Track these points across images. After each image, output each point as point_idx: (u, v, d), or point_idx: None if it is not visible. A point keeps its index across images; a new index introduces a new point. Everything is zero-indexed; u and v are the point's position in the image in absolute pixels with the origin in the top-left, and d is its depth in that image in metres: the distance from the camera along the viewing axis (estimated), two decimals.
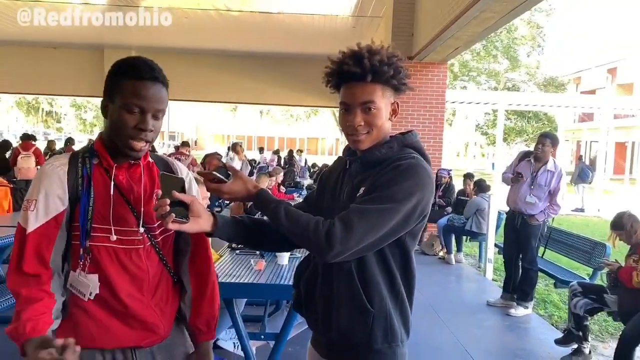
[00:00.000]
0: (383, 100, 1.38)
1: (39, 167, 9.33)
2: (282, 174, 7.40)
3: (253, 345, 3.32)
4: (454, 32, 6.15)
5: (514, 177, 4.83)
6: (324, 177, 1.61)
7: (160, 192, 1.25)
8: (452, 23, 5.85)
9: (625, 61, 29.34)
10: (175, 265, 1.49)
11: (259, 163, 16.19)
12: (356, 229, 1.25)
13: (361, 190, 1.37)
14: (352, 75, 1.36)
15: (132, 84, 1.29)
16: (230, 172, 1.41)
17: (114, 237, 1.33)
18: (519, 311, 4.74)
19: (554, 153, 4.80)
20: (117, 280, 1.33)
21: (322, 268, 1.41)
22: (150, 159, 1.44)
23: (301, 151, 21.30)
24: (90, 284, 1.32)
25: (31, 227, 1.28)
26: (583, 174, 14.79)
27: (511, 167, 5.04)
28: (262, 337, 3.48)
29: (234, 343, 3.53)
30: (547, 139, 4.72)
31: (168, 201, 1.21)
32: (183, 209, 1.24)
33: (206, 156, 5.43)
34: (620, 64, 29.81)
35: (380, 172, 1.35)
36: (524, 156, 4.95)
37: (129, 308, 1.34)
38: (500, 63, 26.71)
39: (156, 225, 1.40)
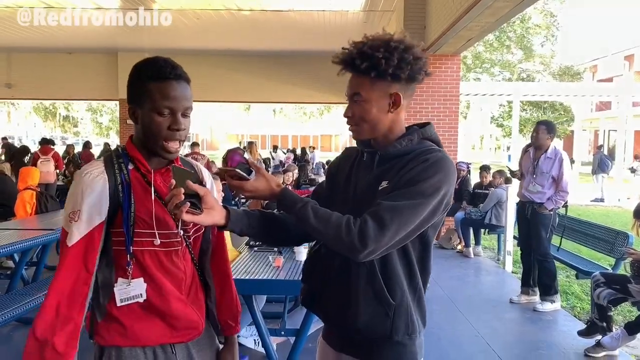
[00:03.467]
0: (373, 92, 1.35)
1: (57, 170, 9.49)
2: (296, 170, 7.42)
3: (274, 342, 3.34)
4: (467, 23, 6.08)
5: (512, 173, 5.03)
6: (333, 169, 1.58)
7: (174, 182, 1.24)
8: (464, 14, 5.78)
9: None
10: (200, 264, 1.53)
11: (273, 161, 16.23)
12: (389, 226, 1.23)
13: (384, 183, 1.34)
14: (345, 66, 1.37)
15: (158, 86, 1.30)
16: (252, 169, 1.37)
17: (157, 241, 1.35)
18: (545, 306, 4.65)
19: (550, 140, 4.74)
20: (160, 283, 1.36)
21: (338, 263, 1.38)
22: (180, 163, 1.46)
23: (314, 148, 21.31)
24: (139, 288, 1.34)
25: (77, 237, 1.29)
26: (602, 164, 14.58)
27: (519, 162, 5.10)
28: (283, 333, 3.50)
29: (254, 340, 3.56)
30: (542, 126, 4.71)
31: (182, 190, 1.20)
32: (196, 201, 1.23)
33: (228, 151, 5.42)
34: (637, 51, 29.25)
35: (407, 166, 1.32)
36: (526, 148, 4.97)
37: (173, 308, 1.38)
38: (514, 54, 26.38)
39: (190, 226, 1.42)
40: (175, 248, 1.40)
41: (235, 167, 1.34)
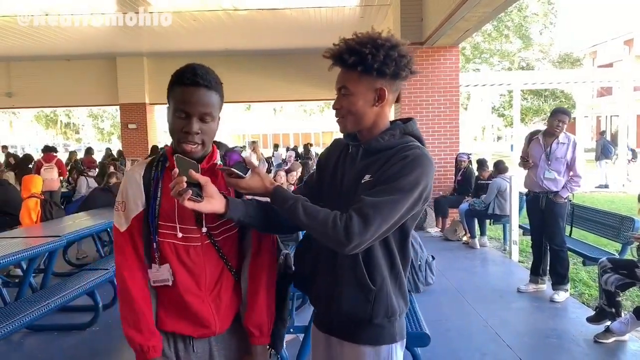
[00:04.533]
0: (359, 86, 1.43)
1: (61, 177, 9.52)
2: (300, 169, 7.43)
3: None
4: (464, 13, 6.07)
5: (520, 163, 4.86)
6: (322, 160, 1.66)
7: (177, 170, 1.32)
8: (461, 4, 5.77)
9: None
10: (239, 266, 1.56)
11: (274, 160, 16.22)
12: (372, 221, 1.31)
13: (366, 177, 1.42)
14: (334, 61, 1.45)
15: (178, 90, 1.40)
16: (249, 168, 1.45)
17: (179, 235, 1.45)
18: (561, 295, 4.60)
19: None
20: (177, 274, 1.46)
21: (326, 250, 1.46)
22: (218, 161, 1.51)
23: (311, 145, 21.35)
24: (166, 274, 1.46)
25: (124, 226, 1.47)
26: (605, 150, 14.52)
27: (523, 151, 4.96)
28: (291, 330, 3.50)
29: None
30: (566, 116, 4.59)
31: (185, 178, 1.28)
32: (197, 189, 1.31)
33: (226, 151, 5.45)
34: (637, 35, 29.08)
35: (388, 162, 1.40)
36: (531, 136, 4.86)
37: (185, 301, 1.46)
38: (513, 43, 26.30)
39: (216, 224, 1.47)
40: (194, 244, 1.46)
41: (233, 166, 1.42)
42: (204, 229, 1.44)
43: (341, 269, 1.45)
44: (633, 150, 17.08)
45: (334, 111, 1.50)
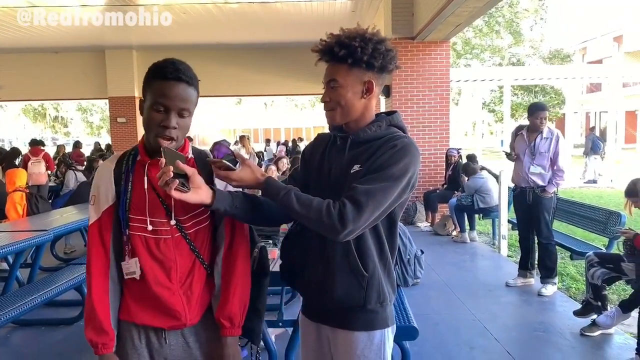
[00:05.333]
0: (348, 78, 1.48)
1: (49, 172, 9.41)
2: (286, 159, 7.41)
3: (272, 333, 3.34)
4: (454, 8, 6.07)
5: (508, 156, 4.96)
6: (307, 153, 1.69)
7: (164, 160, 1.32)
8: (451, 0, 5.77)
9: (631, 28, 28.83)
10: (212, 259, 1.57)
11: (265, 155, 16.18)
12: (365, 208, 1.35)
13: (356, 167, 1.47)
14: (322, 56, 1.50)
15: (158, 84, 1.40)
16: (238, 160, 1.46)
17: (150, 227, 1.46)
18: (549, 289, 4.65)
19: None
20: (146, 267, 1.47)
21: (316, 240, 1.50)
22: (189, 155, 1.53)
23: (301, 139, 21.37)
24: (134, 267, 1.47)
25: (92, 218, 1.50)
26: (595, 145, 14.64)
27: (510, 146, 5.05)
28: (280, 324, 3.50)
29: None
30: (545, 112, 4.68)
31: (172, 168, 1.29)
32: (184, 180, 1.32)
33: (214, 144, 5.44)
34: (626, 32, 29.31)
35: (378, 151, 1.45)
36: (517, 131, 4.93)
37: (155, 293, 1.47)
38: (503, 38, 26.40)
39: (186, 217, 1.49)
40: (164, 236, 1.47)
41: (222, 159, 1.43)
42: (173, 222, 1.45)
43: (333, 257, 1.48)
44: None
45: (323, 104, 1.54)
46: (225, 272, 1.55)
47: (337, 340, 1.55)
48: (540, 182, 4.63)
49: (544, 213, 4.64)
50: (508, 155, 5.00)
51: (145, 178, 1.46)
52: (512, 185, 5.17)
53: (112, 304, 1.50)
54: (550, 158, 4.60)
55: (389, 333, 1.56)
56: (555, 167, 4.60)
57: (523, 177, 4.71)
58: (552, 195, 4.65)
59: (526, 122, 4.89)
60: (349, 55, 1.44)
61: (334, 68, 1.49)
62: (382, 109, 7.98)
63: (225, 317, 1.53)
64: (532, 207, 4.70)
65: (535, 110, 4.68)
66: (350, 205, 1.35)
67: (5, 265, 5.19)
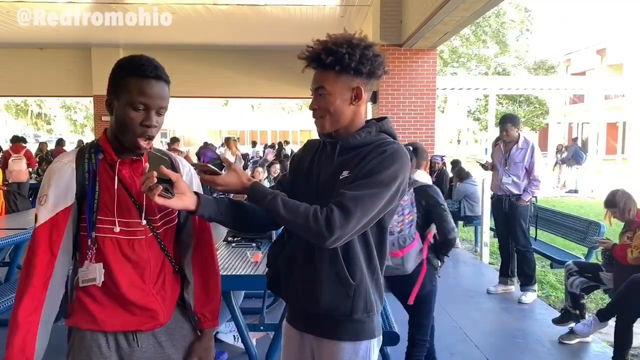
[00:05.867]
0: (337, 85, 1.45)
1: (30, 169, 9.28)
2: (278, 167, 7.41)
3: (253, 337, 3.33)
4: (442, 17, 6.13)
5: (484, 166, 5.14)
6: (295, 159, 1.67)
7: (147, 165, 1.30)
8: (439, 8, 5.83)
9: (614, 41, 29.41)
10: (178, 256, 1.57)
11: (252, 157, 16.14)
12: (353, 214, 1.32)
13: (344, 173, 1.44)
14: (309, 63, 1.48)
15: (137, 82, 1.36)
16: (224, 165, 1.45)
17: (117, 229, 1.40)
18: (529, 297, 4.72)
19: (518, 131, 4.84)
20: (117, 270, 1.41)
21: (303, 247, 1.47)
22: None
23: (287, 142, 21.37)
24: (97, 273, 1.40)
25: (42, 219, 1.37)
26: (577, 155, 14.88)
27: (491, 156, 5.22)
28: (262, 328, 3.50)
29: (234, 335, 3.55)
30: (507, 124, 4.80)
31: (155, 174, 1.26)
32: (168, 185, 1.29)
33: (200, 148, 5.44)
34: (609, 45, 29.88)
35: (367, 157, 1.42)
36: (495, 142, 5.08)
37: (129, 296, 1.42)
38: (490, 48, 26.70)
39: (158, 217, 1.47)
40: (138, 237, 1.44)
41: (208, 163, 1.38)
42: (144, 222, 1.43)
43: (320, 265, 1.45)
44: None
45: (312, 112, 1.52)
46: (201, 268, 1.59)
47: (321, 350, 1.53)
48: (515, 191, 4.74)
49: (519, 221, 4.73)
50: (482, 166, 5.22)
51: (117, 178, 1.41)
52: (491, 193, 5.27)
53: (46, 319, 1.36)
54: (526, 168, 4.70)
55: (375, 344, 1.53)
56: (531, 177, 4.70)
57: (499, 186, 4.86)
58: (528, 203, 4.74)
59: (525, 133, 5.01)
60: (337, 62, 1.42)
61: (321, 75, 1.47)
62: (369, 116, 8.02)
63: (208, 311, 1.59)
64: (508, 215, 4.81)
65: (501, 122, 4.91)
66: (338, 211, 1.32)
67: None
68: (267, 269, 1.65)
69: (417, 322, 2.88)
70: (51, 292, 1.37)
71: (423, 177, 3.06)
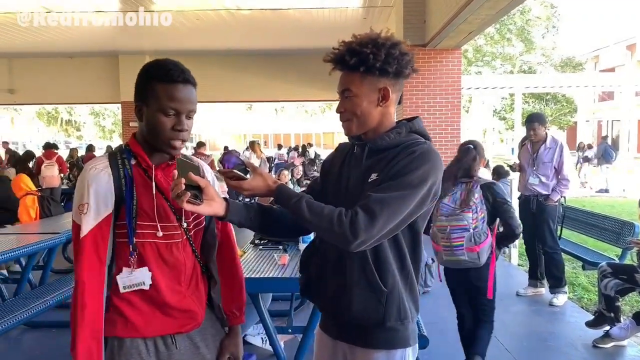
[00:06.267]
0: (362, 87, 1.42)
1: (62, 174, 9.51)
2: (301, 169, 7.45)
3: (281, 339, 3.34)
4: (467, 16, 6.06)
5: (512, 167, 5.02)
6: (327, 163, 1.65)
7: (176, 172, 1.30)
8: (464, 7, 5.77)
9: None
10: (204, 257, 1.57)
11: (274, 160, 16.22)
12: (379, 217, 1.28)
13: (373, 175, 1.40)
14: (335, 64, 1.44)
15: (165, 87, 1.36)
16: (249, 169, 1.44)
17: (160, 234, 1.41)
18: (560, 299, 4.61)
19: (545, 130, 4.75)
20: (157, 274, 1.42)
21: (334, 253, 1.45)
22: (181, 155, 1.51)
23: (310, 145, 21.45)
24: (144, 277, 1.40)
25: (87, 229, 1.35)
26: (606, 154, 14.52)
27: (518, 157, 5.11)
28: (290, 330, 3.50)
29: (262, 338, 3.56)
30: (535, 123, 4.70)
31: (184, 180, 1.26)
32: (197, 192, 1.29)
33: (224, 154, 5.49)
34: (639, 40, 29.08)
35: (395, 159, 1.38)
36: (522, 142, 4.98)
37: (169, 299, 1.43)
38: (515, 46, 26.28)
39: (190, 219, 1.48)
40: (176, 240, 1.45)
41: (233, 169, 1.38)
42: (184, 224, 1.44)
43: (350, 271, 1.41)
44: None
45: (338, 115, 1.48)
46: (225, 266, 1.64)
47: (354, 358, 1.49)
48: (543, 191, 4.65)
49: (548, 221, 4.63)
50: (510, 167, 5.13)
51: (154, 183, 1.42)
52: (517, 194, 5.19)
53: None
54: (555, 167, 4.60)
55: (410, 353, 1.47)
56: (560, 176, 4.60)
57: (526, 186, 4.77)
58: (556, 203, 4.63)
59: (554, 132, 4.92)
60: (361, 63, 1.38)
61: (347, 77, 1.43)
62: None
63: (236, 308, 1.65)
64: (536, 216, 4.71)
65: (527, 122, 4.81)
66: (363, 214, 1.28)
67: (17, 267, 5.24)
68: (299, 275, 1.64)
69: (483, 303, 3.08)
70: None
71: (485, 174, 3.22)
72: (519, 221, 2.96)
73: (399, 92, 1.48)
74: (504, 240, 3.10)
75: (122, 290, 1.40)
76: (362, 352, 1.46)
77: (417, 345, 1.50)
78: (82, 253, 1.34)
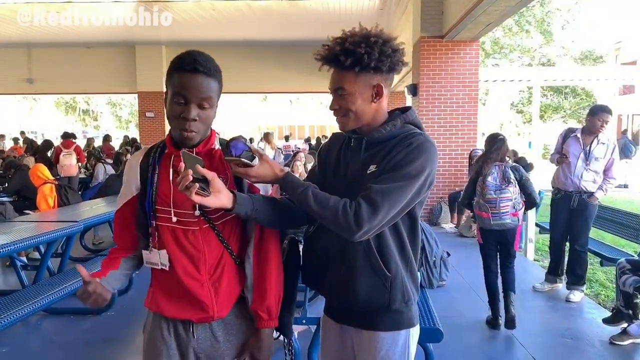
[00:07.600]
0: (357, 85, 1.45)
1: (79, 164, 9.64)
2: (302, 155, 7.47)
3: (295, 330, 3.34)
4: (485, 7, 5.97)
5: (559, 158, 4.63)
6: (322, 154, 1.68)
7: (183, 165, 1.32)
8: None
9: None
10: (240, 250, 1.55)
11: (282, 151, 16.22)
12: (381, 208, 1.35)
13: (372, 167, 1.45)
14: (327, 63, 1.48)
15: (177, 76, 1.41)
16: (256, 156, 1.43)
17: (174, 219, 1.47)
18: (576, 296, 4.54)
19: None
20: (175, 258, 1.48)
21: (337, 242, 1.48)
22: (216, 146, 1.52)
23: (325, 137, 21.42)
24: (159, 257, 1.49)
25: (118, 206, 1.58)
26: (626, 149, 14.25)
27: (556, 148, 4.82)
28: (304, 321, 3.50)
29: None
30: (609, 115, 4.43)
31: (191, 172, 1.28)
32: (204, 184, 1.31)
33: (230, 140, 5.47)
34: None
35: (393, 150, 1.43)
36: (568, 133, 4.70)
37: (184, 285, 1.47)
38: (534, 38, 25.83)
39: (211, 209, 1.43)
40: (192, 228, 1.47)
41: (240, 155, 1.39)
42: (197, 212, 1.45)
43: (354, 258, 1.47)
44: None
45: (332, 111, 1.53)
46: (259, 263, 1.54)
47: (361, 341, 1.54)
48: (590, 188, 4.47)
49: (587, 220, 4.51)
50: (562, 159, 4.61)
51: (171, 170, 1.47)
52: (544, 187, 5.04)
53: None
54: (605, 164, 4.46)
55: (414, 333, 1.55)
56: (608, 174, 4.47)
57: (570, 181, 4.52)
58: (598, 201, 4.53)
59: (572, 125, 4.77)
60: (356, 63, 1.42)
61: (340, 75, 1.47)
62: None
63: (264, 310, 1.53)
64: (574, 213, 4.54)
65: (598, 112, 4.45)
66: (366, 205, 1.34)
67: (37, 255, 5.33)
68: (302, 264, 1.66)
69: (511, 254, 4.06)
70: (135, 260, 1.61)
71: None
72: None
73: (391, 86, 1.54)
74: (529, 207, 4.02)
75: (145, 264, 1.55)
76: (369, 335, 1.52)
77: (419, 325, 1.58)
78: (114, 224, 1.63)
